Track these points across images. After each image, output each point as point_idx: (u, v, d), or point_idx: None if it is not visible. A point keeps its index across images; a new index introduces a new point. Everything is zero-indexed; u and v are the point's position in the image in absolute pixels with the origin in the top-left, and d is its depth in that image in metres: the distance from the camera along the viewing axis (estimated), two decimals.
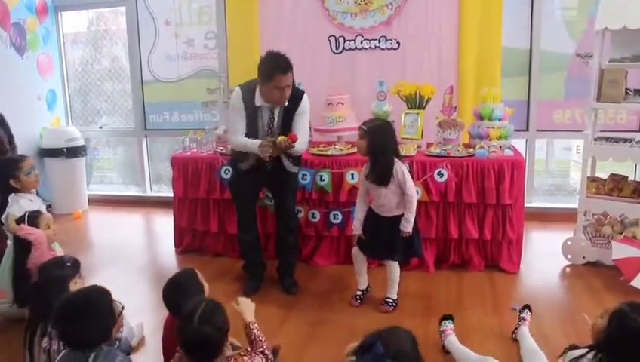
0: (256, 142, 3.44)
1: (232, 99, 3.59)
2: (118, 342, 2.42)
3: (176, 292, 2.50)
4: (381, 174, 3.29)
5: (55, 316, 2.13)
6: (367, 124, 3.36)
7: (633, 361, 1.87)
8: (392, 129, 3.38)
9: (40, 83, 6.17)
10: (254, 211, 3.90)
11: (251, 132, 3.53)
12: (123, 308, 2.29)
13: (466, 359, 2.72)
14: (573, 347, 2.08)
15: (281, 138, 3.37)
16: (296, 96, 3.55)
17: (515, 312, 3.19)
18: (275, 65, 3.31)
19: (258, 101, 3.48)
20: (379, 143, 3.28)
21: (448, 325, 3.01)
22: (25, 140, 5.39)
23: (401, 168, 3.28)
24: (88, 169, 6.58)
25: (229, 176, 4.15)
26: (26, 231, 3.16)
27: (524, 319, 3.05)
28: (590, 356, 1.94)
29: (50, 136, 6.05)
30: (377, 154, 3.31)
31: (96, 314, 2.10)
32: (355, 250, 3.54)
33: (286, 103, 3.49)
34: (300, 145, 3.53)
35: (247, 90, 3.52)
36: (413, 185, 3.32)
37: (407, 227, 3.32)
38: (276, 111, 3.54)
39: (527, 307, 3.15)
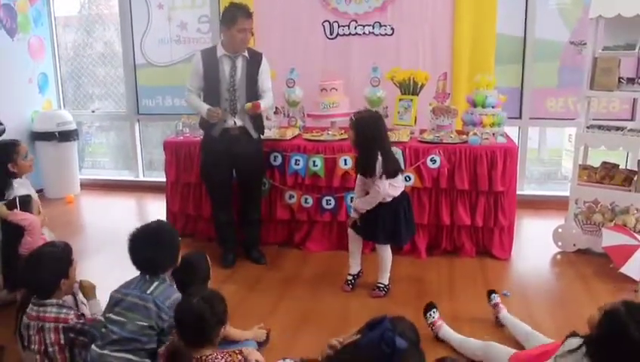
0: (205, 106, 3.73)
1: (192, 61, 3.91)
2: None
3: (186, 273, 2.57)
4: (364, 166, 3.33)
5: (132, 241, 2.44)
6: (356, 114, 3.39)
7: (611, 353, 1.85)
8: (378, 121, 3.37)
9: (31, 65, 6.10)
10: (229, 191, 4.01)
11: (213, 85, 3.76)
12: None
13: (467, 347, 2.75)
14: (574, 334, 2.06)
15: (248, 105, 3.71)
16: (256, 53, 3.90)
17: (507, 298, 3.22)
18: (238, 10, 3.67)
19: (219, 52, 3.75)
20: (363, 135, 3.31)
21: (435, 316, 2.98)
22: (16, 123, 5.35)
23: (380, 164, 3.24)
24: (80, 153, 6.54)
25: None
26: (20, 216, 3.14)
27: (497, 304, 3.05)
28: (584, 349, 1.93)
29: (41, 120, 5.99)
30: (361, 147, 3.34)
31: (168, 242, 2.49)
32: (350, 230, 3.57)
33: (246, 53, 3.78)
34: (268, 102, 3.89)
35: (207, 50, 3.89)
36: (384, 184, 3.28)
37: (360, 207, 3.39)
38: (238, 63, 3.76)
39: (492, 292, 3.15)
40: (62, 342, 2.41)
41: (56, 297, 2.47)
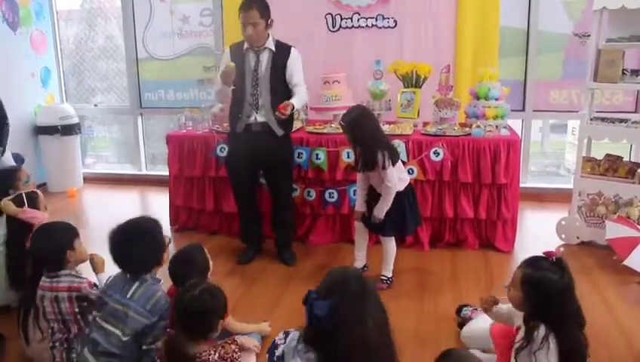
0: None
1: (223, 55, 3.88)
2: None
3: (184, 266, 2.55)
4: (365, 162, 3.32)
5: (113, 238, 2.35)
6: (344, 118, 3.39)
7: (554, 309, 1.96)
8: (367, 119, 3.36)
9: (34, 60, 6.10)
10: (251, 187, 3.95)
11: (238, 75, 3.66)
12: (170, 240, 2.51)
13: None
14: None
15: (277, 114, 3.51)
16: (284, 47, 3.73)
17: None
18: (241, 4, 3.58)
19: (245, 45, 3.69)
20: (356, 135, 3.33)
21: (468, 312, 2.90)
22: (19, 117, 5.36)
23: (382, 158, 3.21)
24: (83, 147, 6.55)
25: (224, 154, 4.20)
26: (30, 214, 3.13)
27: (470, 318, 2.86)
28: (542, 330, 1.97)
29: (44, 114, 6.00)
30: (358, 145, 3.36)
31: (150, 239, 2.37)
32: (357, 223, 3.57)
33: (272, 46, 3.66)
34: (300, 99, 3.69)
35: (236, 44, 3.78)
36: (392, 175, 3.26)
37: (379, 213, 3.34)
38: (262, 57, 3.67)
39: (463, 307, 2.97)
40: (76, 310, 2.45)
41: (67, 269, 2.52)
